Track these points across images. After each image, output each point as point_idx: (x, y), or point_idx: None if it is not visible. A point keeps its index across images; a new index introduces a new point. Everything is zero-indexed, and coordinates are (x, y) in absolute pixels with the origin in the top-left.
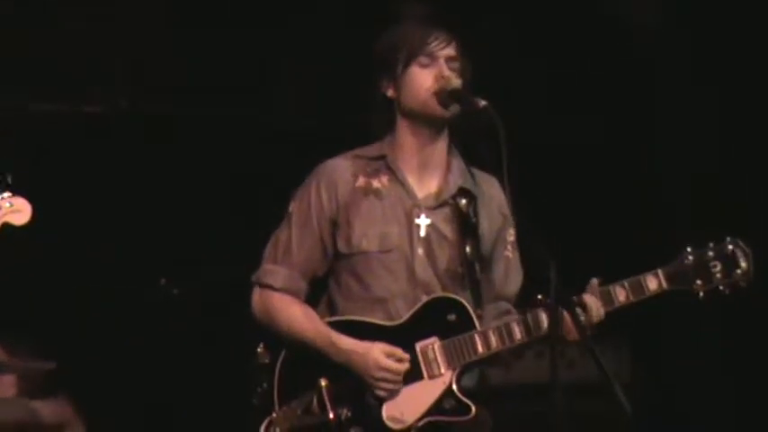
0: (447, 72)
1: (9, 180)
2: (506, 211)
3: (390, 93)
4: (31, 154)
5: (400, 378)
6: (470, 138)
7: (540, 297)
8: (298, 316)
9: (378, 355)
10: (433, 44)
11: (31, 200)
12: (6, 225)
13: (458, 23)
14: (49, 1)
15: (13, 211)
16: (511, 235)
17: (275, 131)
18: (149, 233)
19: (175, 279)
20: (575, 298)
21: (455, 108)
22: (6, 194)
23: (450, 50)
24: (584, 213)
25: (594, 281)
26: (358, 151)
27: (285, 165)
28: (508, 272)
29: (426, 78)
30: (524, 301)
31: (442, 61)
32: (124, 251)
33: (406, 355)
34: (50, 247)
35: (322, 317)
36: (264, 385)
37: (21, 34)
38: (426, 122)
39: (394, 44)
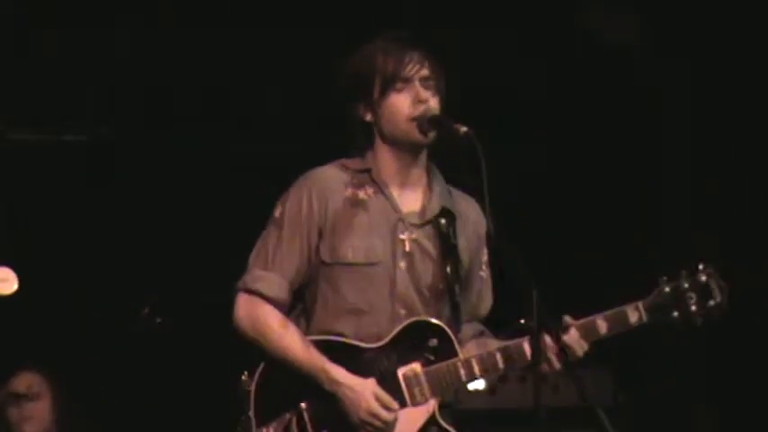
0: (424, 95)
1: None
2: (482, 231)
3: (368, 118)
4: (11, 182)
5: (385, 427)
6: (450, 159)
7: (522, 321)
8: (288, 336)
9: (369, 397)
10: (408, 67)
11: (13, 229)
12: None
13: (428, 42)
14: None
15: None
16: (485, 254)
17: (253, 158)
18: (132, 261)
19: (158, 308)
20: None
21: (434, 134)
22: None
23: (424, 71)
24: (572, 230)
25: (567, 318)
26: (343, 162)
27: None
28: (482, 292)
29: (403, 104)
30: (507, 325)
31: (417, 84)
32: (107, 280)
33: (395, 405)
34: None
35: (297, 327)
36: (250, 413)
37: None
38: (406, 146)
39: (368, 69)
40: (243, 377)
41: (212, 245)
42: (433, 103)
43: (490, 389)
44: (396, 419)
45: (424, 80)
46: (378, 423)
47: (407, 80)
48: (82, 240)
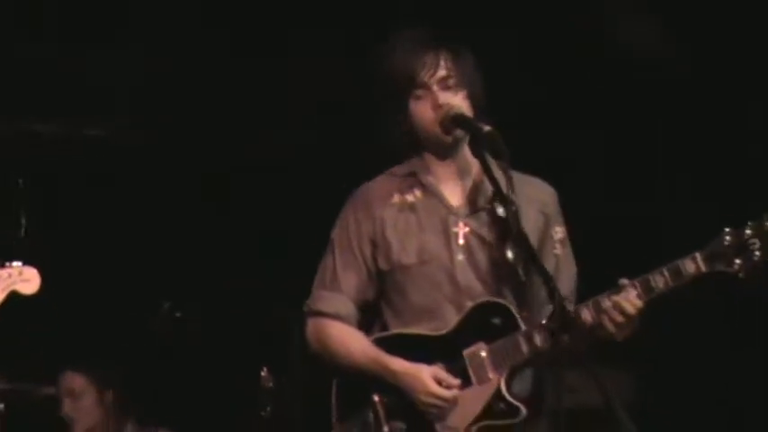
0: (442, 99)
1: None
2: (550, 210)
3: (403, 123)
4: (32, 176)
5: (448, 404)
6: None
7: (544, 323)
8: (348, 340)
9: (427, 379)
10: (422, 73)
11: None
12: (14, 293)
13: (445, 35)
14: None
15: (22, 280)
16: (558, 233)
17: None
18: (153, 256)
19: (178, 303)
20: (606, 301)
21: (461, 132)
22: (17, 264)
23: (441, 72)
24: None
25: (623, 280)
26: (391, 170)
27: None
28: (558, 270)
29: (424, 111)
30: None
31: (435, 88)
32: (127, 275)
33: (456, 381)
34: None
35: (370, 336)
36: (268, 408)
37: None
38: (443, 147)
39: (386, 82)
40: (262, 373)
41: (234, 240)
42: (457, 102)
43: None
44: (458, 397)
45: (442, 81)
46: (439, 402)
47: (424, 86)
48: (101, 236)
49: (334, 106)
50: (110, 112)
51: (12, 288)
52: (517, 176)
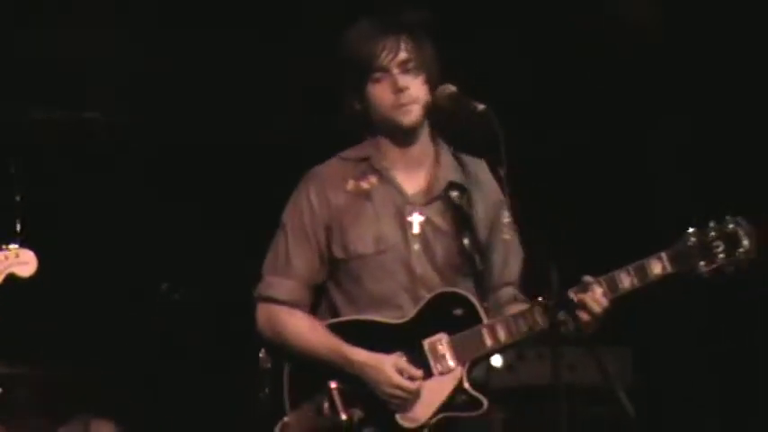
0: (402, 82)
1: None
2: (499, 195)
3: (358, 107)
4: (29, 158)
5: (411, 396)
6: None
7: (540, 299)
8: (306, 329)
9: (390, 371)
10: (383, 55)
11: (30, 205)
12: (11, 276)
13: (407, 20)
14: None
15: (19, 263)
16: (506, 217)
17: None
18: (150, 238)
19: (177, 284)
20: (573, 297)
21: (417, 116)
22: (14, 246)
23: (402, 55)
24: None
25: (587, 277)
26: (343, 154)
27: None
28: (507, 256)
29: (383, 94)
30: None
31: (395, 71)
32: (125, 256)
33: (419, 373)
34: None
35: (324, 321)
36: (267, 390)
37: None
38: (399, 131)
39: (344, 61)
40: (261, 354)
41: (230, 224)
42: (415, 87)
43: (507, 366)
44: (420, 389)
45: (402, 65)
46: (402, 394)
47: (384, 69)
48: (102, 215)
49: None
50: (105, 94)
51: (9, 270)
52: (469, 161)
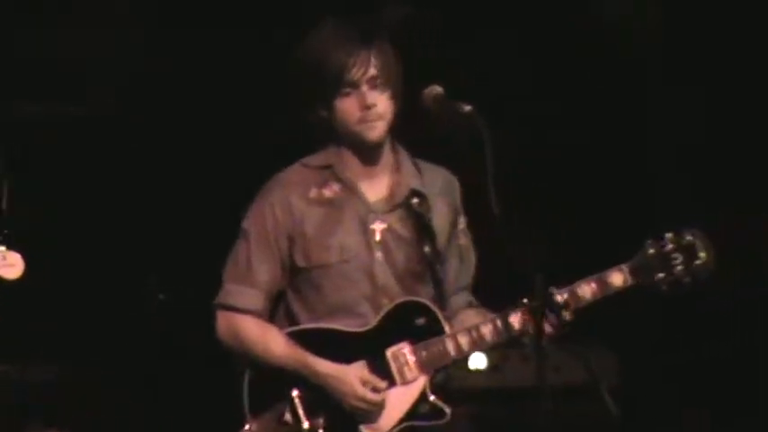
0: (370, 99)
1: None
2: (456, 200)
3: (324, 114)
4: (17, 153)
5: (376, 408)
6: (449, 132)
7: (525, 300)
8: (268, 339)
9: (354, 382)
10: (353, 70)
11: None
12: None
13: (374, 30)
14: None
15: (6, 265)
16: (461, 223)
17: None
18: (150, 238)
19: (162, 283)
20: (558, 298)
21: (382, 131)
22: (1, 248)
23: (371, 71)
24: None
25: (552, 288)
26: (305, 161)
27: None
28: (462, 260)
29: (351, 108)
30: (506, 303)
31: (364, 88)
32: (125, 256)
33: (383, 384)
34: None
35: (281, 328)
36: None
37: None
38: (363, 144)
39: (313, 72)
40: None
41: (230, 224)
42: (382, 104)
43: (492, 367)
44: (385, 399)
45: (371, 81)
46: (366, 406)
47: (354, 85)
48: (97, 222)
49: None
50: (93, 88)
51: None
52: (427, 167)
